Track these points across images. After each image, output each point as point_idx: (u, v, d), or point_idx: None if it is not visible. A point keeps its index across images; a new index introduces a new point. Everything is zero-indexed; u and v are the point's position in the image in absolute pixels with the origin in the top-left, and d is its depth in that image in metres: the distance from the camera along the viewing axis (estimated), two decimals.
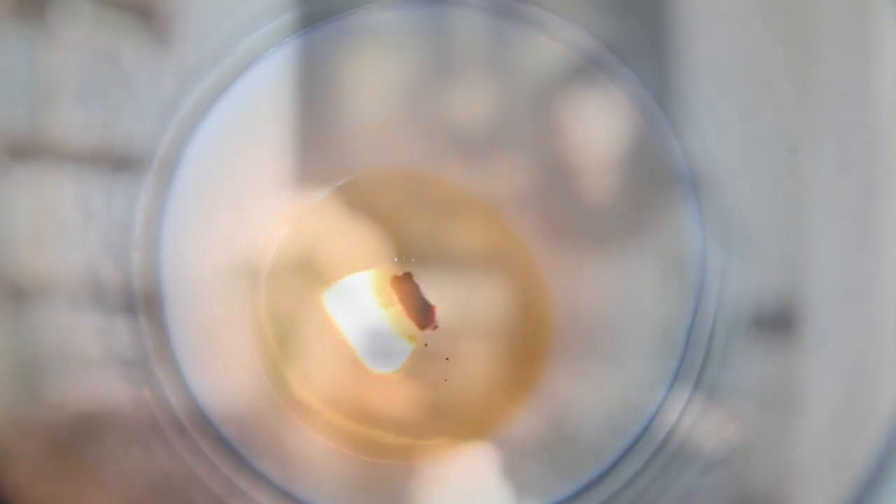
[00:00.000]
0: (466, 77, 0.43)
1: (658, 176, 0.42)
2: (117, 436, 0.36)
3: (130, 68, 0.39)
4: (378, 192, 0.43)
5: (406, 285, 0.43)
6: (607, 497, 0.40)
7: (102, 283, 0.38)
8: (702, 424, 0.39)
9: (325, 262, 0.42)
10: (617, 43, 0.42)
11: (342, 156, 0.43)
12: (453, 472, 0.41)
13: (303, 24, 0.44)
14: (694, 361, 0.41)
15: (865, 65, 0.35)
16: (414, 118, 0.43)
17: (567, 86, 0.43)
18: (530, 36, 0.43)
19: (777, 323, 0.37)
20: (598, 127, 0.43)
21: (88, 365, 0.37)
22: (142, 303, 0.40)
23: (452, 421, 0.42)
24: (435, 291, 0.42)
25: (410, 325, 0.43)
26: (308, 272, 0.42)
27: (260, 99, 0.43)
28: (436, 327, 0.42)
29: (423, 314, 0.43)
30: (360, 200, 0.43)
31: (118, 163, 0.39)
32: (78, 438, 0.35)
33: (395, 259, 0.42)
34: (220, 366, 0.41)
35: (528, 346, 0.42)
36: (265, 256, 0.42)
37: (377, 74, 0.43)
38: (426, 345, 0.42)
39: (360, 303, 0.42)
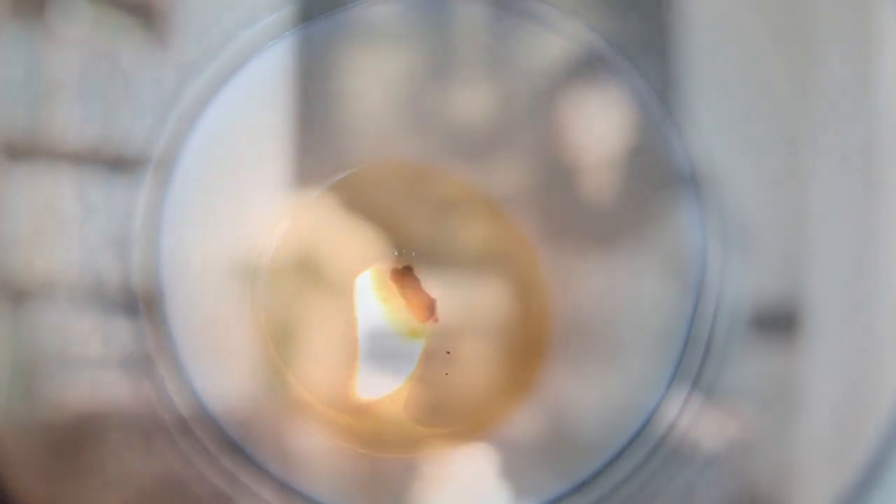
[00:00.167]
0: (467, 72, 0.43)
1: (659, 174, 0.42)
2: (118, 435, 0.36)
3: (129, 64, 0.39)
4: (378, 187, 0.43)
5: (406, 279, 0.43)
6: (605, 494, 0.40)
7: (102, 281, 0.38)
8: (701, 423, 0.39)
9: (325, 258, 0.42)
10: (619, 39, 0.42)
11: (342, 150, 0.43)
12: (453, 468, 0.41)
13: (302, 17, 0.43)
14: (693, 360, 0.41)
15: (866, 60, 0.34)
16: (414, 113, 0.43)
17: (569, 81, 0.43)
18: (532, 31, 0.43)
19: (777, 322, 0.37)
20: (600, 123, 0.42)
21: (89, 364, 0.37)
22: (142, 300, 0.40)
23: (452, 417, 0.42)
24: (435, 288, 0.42)
25: (411, 319, 0.43)
26: (308, 268, 0.42)
27: (259, 93, 0.43)
28: (437, 321, 0.42)
29: (424, 307, 0.43)
30: (360, 195, 0.43)
31: (117, 160, 0.39)
32: (79, 438, 0.35)
33: (396, 253, 0.42)
34: (222, 363, 0.41)
35: (528, 343, 0.42)
36: (265, 252, 0.42)
37: (377, 68, 0.43)
38: (427, 338, 0.42)
39: (360, 298, 0.42)
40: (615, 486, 0.40)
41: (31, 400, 0.35)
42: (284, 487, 0.41)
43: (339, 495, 0.41)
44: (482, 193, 0.43)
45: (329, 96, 0.43)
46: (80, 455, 0.35)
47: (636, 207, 0.42)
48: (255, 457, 0.40)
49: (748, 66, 0.38)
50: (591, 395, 0.41)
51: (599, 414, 0.41)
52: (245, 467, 0.40)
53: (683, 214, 0.42)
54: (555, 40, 0.43)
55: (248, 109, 0.43)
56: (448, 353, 0.42)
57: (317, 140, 0.43)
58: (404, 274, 0.43)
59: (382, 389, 0.42)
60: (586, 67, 0.43)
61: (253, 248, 0.42)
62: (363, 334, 0.42)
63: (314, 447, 0.41)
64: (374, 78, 0.43)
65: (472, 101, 0.43)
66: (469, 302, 0.42)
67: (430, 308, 0.42)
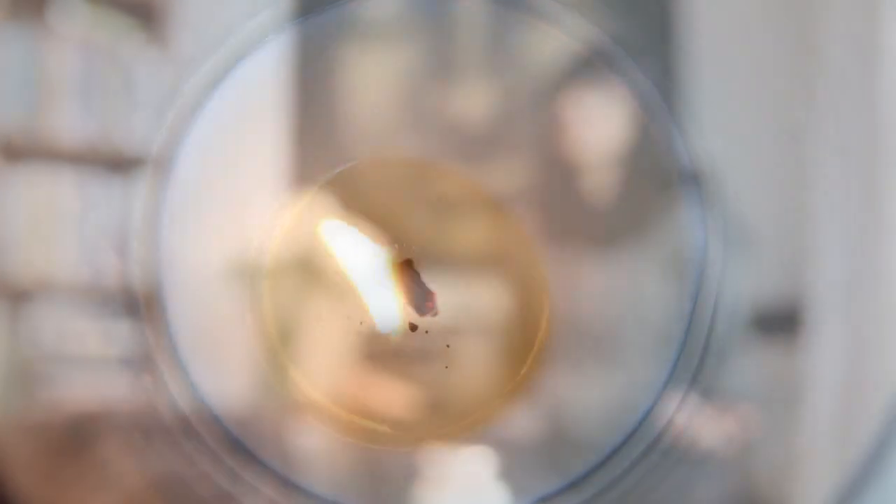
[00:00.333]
0: (468, 68, 0.43)
1: (660, 173, 0.42)
2: (119, 434, 0.36)
3: (128, 60, 0.39)
4: (378, 184, 0.43)
5: (406, 272, 0.43)
6: (601, 490, 0.40)
7: (102, 281, 0.38)
8: (698, 421, 0.39)
9: (324, 255, 0.42)
10: (621, 37, 0.42)
11: (341, 147, 0.43)
12: (452, 465, 0.41)
13: (302, 11, 0.43)
14: (692, 359, 0.41)
15: (866, 60, 0.34)
16: (414, 109, 0.43)
17: (570, 79, 0.42)
18: (534, 27, 0.43)
19: (777, 321, 0.37)
20: (601, 121, 0.42)
21: (88, 364, 0.37)
22: (142, 300, 0.40)
23: (451, 414, 0.42)
24: (434, 285, 0.42)
25: (410, 313, 0.43)
26: (308, 265, 0.42)
27: (258, 90, 0.43)
28: (436, 314, 0.42)
29: (424, 300, 0.43)
30: (359, 192, 0.42)
31: (117, 158, 0.39)
32: (78, 438, 0.35)
33: (395, 248, 0.42)
34: (222, 361, 0.41)
35: (526, 341, 0.42)
36: (265, 249, 0.42)
37: (377, 64, 0.43)
38: (427, 332, 0.42)
39: (359, 295, 0.42)
40: (612, 484, 0.40)
41: (31, 399, 0.35)
42: (285, 484, 0.41)
43: (339, 491, 0.41)
44: (482, 191, 0.42)
45: (328, 92, 0.43)
46: (79, 455, 0.35)
47: (637, 206, 0.42)
48: (256, 454, 0.41)
49: (750, 65, 0.38)
50: (590, 393, 0.41)
51: (597, 412, 0.41)
52: (246, 465, 0.40)
53: (684, 214, 0.42)
54: (556, 37, 0.43)
55: (247, 106, 0.43)
56: (448, 346, 0.42)
57: (316, 136, 0.43)
58: (404, 268, 0.43)
59: (382, 386, 0.42)
60: (588, 65, 0.42)
61: (252, 245, 0.42)
62: (362, 331, 0.42)
63: (314, 444, 0.41)
64: (374, 74, 0.43)
65: (473, 97, 0.42)
66: (468, 300, 0.42)
67: (430, 301, 0.42)
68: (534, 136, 0.42)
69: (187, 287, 0.41)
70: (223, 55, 0.42)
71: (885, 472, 0.32)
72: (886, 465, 0.32)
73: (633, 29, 0.41)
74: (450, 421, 0.42)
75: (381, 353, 0.42)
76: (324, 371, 0.42)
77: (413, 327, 0.42)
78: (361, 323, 0.42)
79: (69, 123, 0.37)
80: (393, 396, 0.42)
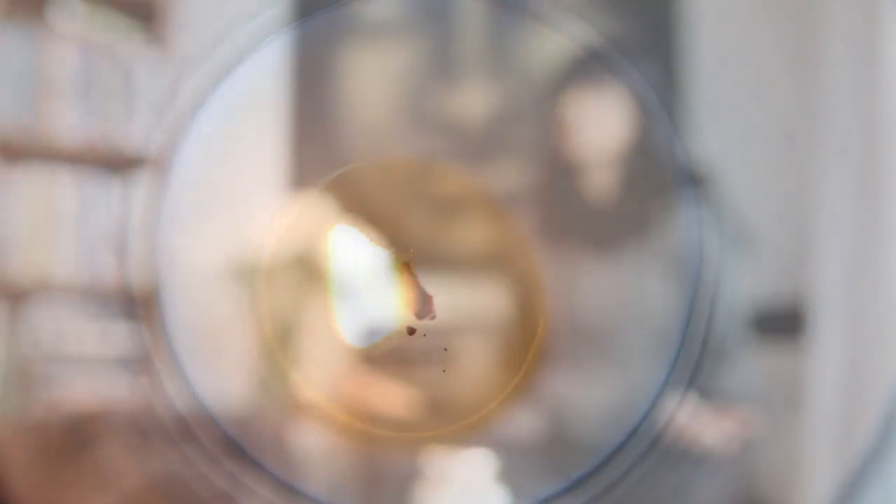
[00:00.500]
0: (467, 69, 0.43)
1: (659, 174, 0.42)
2: (117, 435, 0.36)
3: (128, 60, 0.39)
4: (377, 185, 0.43)
5: (404, 275, 0.43)
6: (601, 491, 0.40)
7: (101, 281, 0.38)
8: (699, 421, 0.39)
9: (323, 256, 0.42)
10: (620, 38, 0.42)
11: (341, 148, 0.43)
12: (451, 467, 0.41)
13: (301, 13, 0.43)
14: (691, 359, 0.41)
15: (866, 60, 0.34)
16: (414, 110, 0.43)
17: (569, 80, 0.42)
18: (533, 29, 0.43)
19: (776, 321, 0.37)
20: (600, 122, 0.42)
21: (86, 364, 0.37)
22: (141, 301, 0.40)
23: (450, 416, 0.42)
24: (433, 286, 0.42)
25: (408, 315, 0.42)
26: (307, 265, 0.42)
27: (257, 90, 0.43)
28: (434, 317, 0.42)
29: (421, 303, 0.43)
30: (358, 193, 0.42)
31: (116, 158, 0.39)
32: (76, 438, 0.35)
33: (394, 250, 0.42)
34: (220, 362, 0.41)
35: (526, 342, 0.42)
36: (264, 250, 0.42)
37: (377, 64, 0.43)
38: (424, 335, 0.42)
39: (358, 295, 0.42)
40: (612, 484, 0.40)
41: (29, 399, 0.35)
42: (284, 486, 0.41)
43: (337, 492, 0.41)
44: (482, 192, 0.42)
45: (328, 93, 0.43)
46: (78, 455, 0.35)
47: (636, 207, 0.42)
48: (254, 455, 0.40)
49: (749, 66, 0.38)
50: (589, 394, 0.41)
51: (597, 413, 0.41)
52: (245, 466, 0.40)
53: (684, 215, 0.42)
54: (556, 39, 0.43)
55: (246, 106, 0.42)
56: (445, 349, 0.42)
57: (316, 137, 0.42)
58: (402, 271, 0.43)
59: (380, 388, 0.42)
60: (587, 67, 0.42)
61: (251, 246, 0.42)
62: (361, 332, 0.42)
63: (313, 445, 0.41)
64: (374, 75, 0.43)
65: (473, 99, 0.42)
66: (468, 301, 0.42)
67: (427, 304, 0.42)
68: (534, 138, 0.42)
69: (186, 288, 0.41)
70: (223, 55, 0.42)
71: (885, 473, 0.32)
72: (886, 465, 0.32)
73: (632, 32, 0.42)
74: (449, 422, 0.42)
75: (379, 354, 0.42)
76: (322, 372, 0.42)
77: (411, 330, 0.42)
78: (361, 323, 0.42)
79: (68, 123, 0.37)
80: (392, 398, 0.42)
